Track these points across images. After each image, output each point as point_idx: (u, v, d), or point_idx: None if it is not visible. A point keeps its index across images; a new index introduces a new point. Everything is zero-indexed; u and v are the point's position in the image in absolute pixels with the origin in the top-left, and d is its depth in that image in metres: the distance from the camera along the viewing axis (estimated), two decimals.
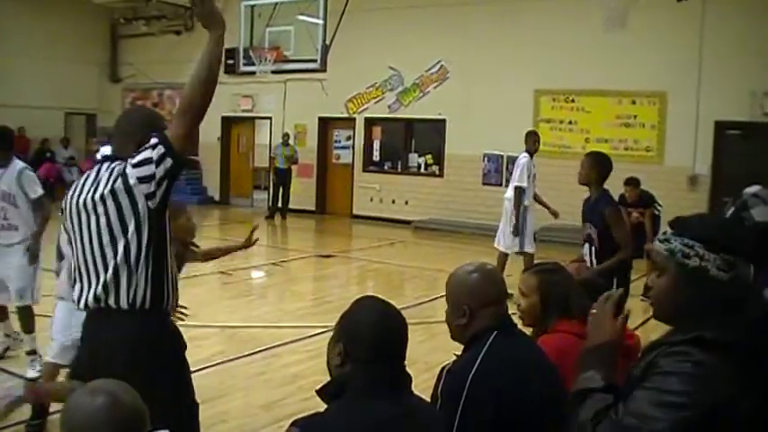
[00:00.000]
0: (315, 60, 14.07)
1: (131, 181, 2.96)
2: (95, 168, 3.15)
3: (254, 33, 15.36)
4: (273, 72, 15.63)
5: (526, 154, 10.17)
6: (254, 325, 8.11)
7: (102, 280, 3.05)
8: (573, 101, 15.51)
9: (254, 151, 20.89)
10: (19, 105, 19.49)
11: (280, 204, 18.00)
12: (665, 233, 2.00)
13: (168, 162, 2.95)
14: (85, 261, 3.11)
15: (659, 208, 10.38)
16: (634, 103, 14.87)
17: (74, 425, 1.88)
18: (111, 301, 3.05)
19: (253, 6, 15.29)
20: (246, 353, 7.00)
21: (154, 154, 2.94)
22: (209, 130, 20.49)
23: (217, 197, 20.93)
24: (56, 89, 19.99)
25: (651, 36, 14.07)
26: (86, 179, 3.14)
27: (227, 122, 20.70)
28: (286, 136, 18.04)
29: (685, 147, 14.29)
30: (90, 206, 3.06)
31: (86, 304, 3.13)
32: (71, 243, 3.22)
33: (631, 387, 1.86)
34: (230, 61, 18.33)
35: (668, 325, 1.99)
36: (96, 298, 3.07)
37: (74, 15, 20.80)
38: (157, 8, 20.08)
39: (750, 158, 13.72)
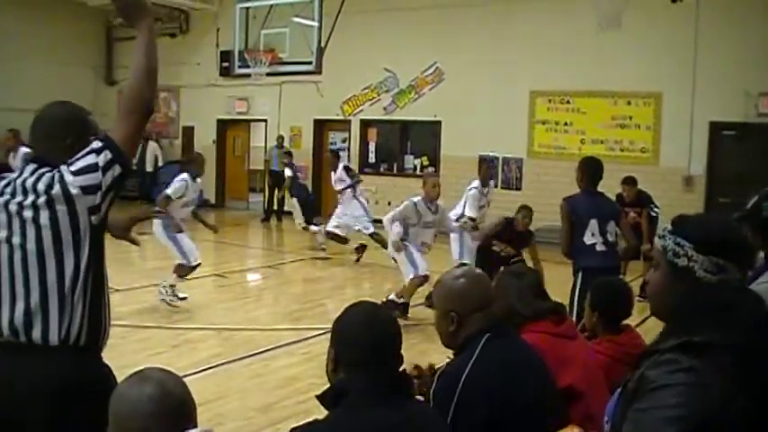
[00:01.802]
0: (310, 62, 14.07)
1: (73, 191, 2.49)
2: (18, 171, 2.64)
3: (249, 35, 15.36)
4: (269, 74, 15.63)
5: (477, 183, 10.30)
6: (251, 327, 8.10)
7: (22, 307, 2.51)
8: (568, 102, 15.51)
9: (249, 154, 20.86)
10: (14, 108, 19.42)
11: (275, 207, 17.98)
12: (664, 228, 2.00)
13: (117, 169, 2.54)
14: None
15: (656, 210, 10.34)
16: (629, 103, 14.89)
17: (120, 414, 1.87)
18: (36, 335, 2.50)
19: (248, 8, 15.28)
20: (243, 355, 6.99)
21: (99, 160, 2.52)
22: (205, 133, 20.49)
23: (212, 200, 20.90)
24: (51, 92, 19.75)
25: (646, 37, 14.09)
26: (7, 179, 2.64)
27: (223, 125, 20.67)
28: (280, 138, 18.04)
29: (680, 147, 14.30)
30: (15, 211, 2.54)
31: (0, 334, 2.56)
32: None
33: (627, 401, 1.84)
34: (225, 64, 18.36)
35: (663, 321, 1.99)
36: (13, 329, 2.51)
37: (69, 18, 20.76)
38: (152, 11, 20.06)
39: (745, 159, 13.76)
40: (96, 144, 2.56)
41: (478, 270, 3.00)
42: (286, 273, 11.94)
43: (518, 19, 15.65)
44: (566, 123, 15.59)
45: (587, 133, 15.33)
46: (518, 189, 15.66)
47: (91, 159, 2.53)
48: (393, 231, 8.77)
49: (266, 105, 19.47)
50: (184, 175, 8.63)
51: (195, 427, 1.90)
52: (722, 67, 13.59)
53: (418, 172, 17.67)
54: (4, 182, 2.64)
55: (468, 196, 10.18)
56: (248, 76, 15.89)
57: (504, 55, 15.78)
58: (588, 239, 6.18)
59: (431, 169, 17.05)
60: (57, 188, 2.50)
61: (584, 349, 3.42)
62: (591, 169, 6.39)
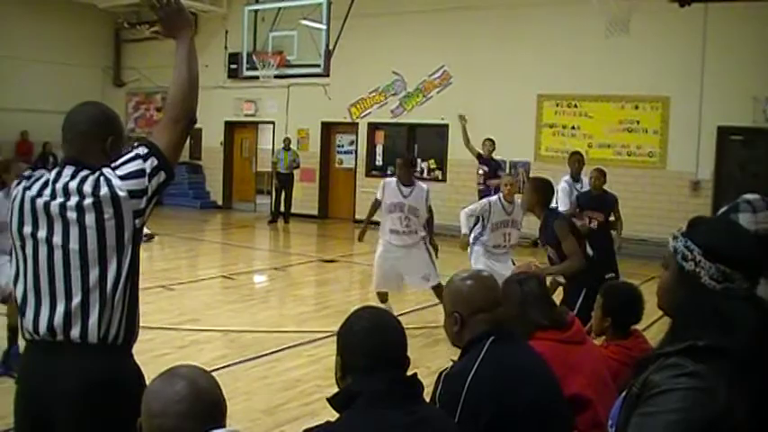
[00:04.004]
0: (318, 65, 14.06)
1: (121, 194, 2.52)
2: (54, 171, 2.65)
3: (258, 38, 15.37)
4: (276, 77, 15.63)
5: (567, 177, 9.92)
6: (257, 329, 8.11)
7: (62, 308, 2.53)
8: (576, 106, 15.51)
9: (256, 156, 20.90)
10: (23, 109, 19.55)
11: (282, 209, 18.02)
12: (679, 229, 2.00)
13: (162, 176, 2.60)
14: (37, 280, 2.57)
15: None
16: (637, 108, 14.87)
17: (152, 411, 1.90)
18: (75, 334, 2.52)
19: (256, 11, 15.30)
20: (249, 357, 7.00)
21: (146, 166, 2.57)
22: (212, 135, 20.53)
23: (219, 202, 20.95)
24: (59, 93, 19.95)
25: (654, 41, 14.08)
26: (43, 180, 2.64)
27: (230, 127, 20.73)
28: (287, 140, 18.07)
29: (688, 152, 14.28)
30: (57, 212, 2.54)
31: (35, 333, 2.58)
32: (15, 252, 2.65)
33: (631, 405, 1.84)
34: (233, 66, 18.39)
35: (670, 318, 2.00)
36: (51, 329, 2.54)
37: (78, 20, 20.86)
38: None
39: (752, 164, 13.75)
40: (142, 150, 2.60)
41: (487, 272, 3.00)
42: (292, 275, 11.95)
43: (526, 22, 15.65)
44: (573, 127, 15.58)
45: (595, 137, 15.32)
46: None
47: (138, 165, 2.57)
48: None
49: (274, 108, 19.51)
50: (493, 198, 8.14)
51: (224, 426, 1.92)
52: (730, 71, 13.57)
53: (425, 175, 17.68)
54: (39, 182, 2.63)
55: (558, 191, 9.45)
56: (256, 78, 15.91)
57: (511, 58, 15.79)
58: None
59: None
60: (105, 191, 2.52)
61: (593, 355, 3.41)
62: (545, 190, 6.20)
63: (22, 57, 19.63)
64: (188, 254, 13.26)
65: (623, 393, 1.97)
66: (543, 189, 6.21)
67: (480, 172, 13.11)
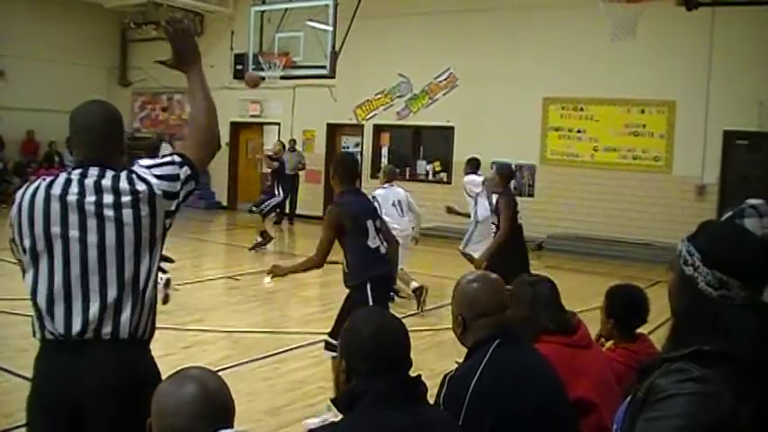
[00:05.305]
0: (324, 67, 14.08)
1: (157, 192, 2.60)
2: (76, 171, 2.62)
3: (264, 39, 15.40)
4: (282, 78, 15.66)
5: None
6: (261, 330, 8.12)
7: (97, 305, 2.52)
8: (582, 109, 15.49)
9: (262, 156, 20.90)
10: (29, 108, 19.57)
11: (287, 210, 18.02)
12: (688, 232, 1.98)
13: (191, 185, 2.71)
14: (67, 279, 2.53)
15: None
16: (643, 112, 14.85)
17: (163, 411, 1.92)
18: (107, 331, 2.53)
19: (263, 12, 15.33)
20: (252, 358, 7.01)
21: (181, 172, 2.67)
22: None
23: (224, 202, 20.96)
24: (65, 93, 19.93)
25: (660, 45, 14.06)
26: (63, 178, 2.61)
27: (236, 128, 20.73)
28: (292, 142, 18.07)
29: (694, 156, 14.26)
30: (92, 210, 2.55)
31: (67, 333, 2.53)
32: (35, 254, 2.57)
33: (637, 409, 1.83)
34: (239, 66, 18.40)
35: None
36: (86, 326, 2.52)
37: (84, 19, 20.90)
38: (168, 13, 20.15)
39: (758, 168, 13.71)
40: (177, 158, 2.71)
41: (495, 275, 2.99)
42: (297, 276, 11.89)
43: (532, 25, 15.64)
44: (579, 131, 15.56)
45: (600, 141, 15.30)
46: (530, 196, 15.60)
47: (173, 169, 2.68)
48: None
49: (279, 109, 19.52)
50: None
51: (232, 427, 1.95)
52: (736, 76, 13.55)
53: (430, 177, 17.70)
54: (59, 181, 2.60)
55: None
56: (262, 79, 15.94)
57: (517, 61, 15.79)
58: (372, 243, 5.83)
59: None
60: (143, 187, 2.59)
61: (599, 359, 3.40)
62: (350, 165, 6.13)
63: (28, 56, 19.66)
64: (193, 254, 13.26)
65: (628, 397, 1.97)
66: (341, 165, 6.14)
67: (268, 170, 15.61)
